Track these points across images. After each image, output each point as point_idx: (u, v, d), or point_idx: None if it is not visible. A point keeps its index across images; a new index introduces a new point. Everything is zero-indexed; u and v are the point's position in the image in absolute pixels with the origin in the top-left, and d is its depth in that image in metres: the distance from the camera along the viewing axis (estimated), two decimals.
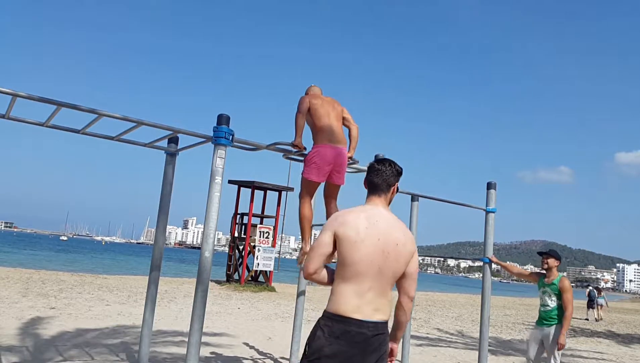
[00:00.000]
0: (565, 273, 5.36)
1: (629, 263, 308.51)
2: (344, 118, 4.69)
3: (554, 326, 5.17)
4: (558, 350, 5.13)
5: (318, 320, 2.36)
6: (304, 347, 2.38)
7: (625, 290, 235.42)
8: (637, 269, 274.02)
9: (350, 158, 4.80)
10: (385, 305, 2.36)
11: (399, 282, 2.46)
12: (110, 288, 14.36)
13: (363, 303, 2.29)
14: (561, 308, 5.18)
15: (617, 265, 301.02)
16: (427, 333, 11.10)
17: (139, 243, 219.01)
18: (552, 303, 5.23)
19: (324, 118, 4.44)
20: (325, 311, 2.36)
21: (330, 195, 4.59)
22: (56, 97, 5.79)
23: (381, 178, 2.54)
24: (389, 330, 2.45)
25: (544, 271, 5.45)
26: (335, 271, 2.38)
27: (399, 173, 2.61)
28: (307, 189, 4.43)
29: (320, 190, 4.61)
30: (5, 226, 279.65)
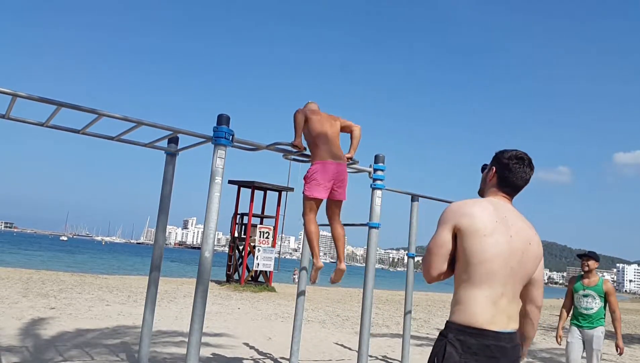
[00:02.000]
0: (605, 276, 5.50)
1: (629, 263, 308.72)
2: (344, 126, 4.68)
3: (598, 328, 5.22)
4: (620, 354, 5.32)
5: (444, 334, 2.05)
6: None
7: (625, 290, 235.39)
8: (637, 269, 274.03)
9: (351, 158, 4.79)
10: (517, 313, 2.11)
11: (526, 288, 2.17)
12: (110, 288, 14.36)
13: (498, 312, 2.00)
14: (603, 311, 5.27)
15: (617, 265, 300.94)
16: (427, 333, 11.14)
17: (139, 243, 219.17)
18: (595, 305, 5.26)
19: (322, 134, 4.41)
20: (452, 322, 2.03)
21: (333, 212, 4.57)
22: (56, 97, 5.79)
23: (524, 182, 2.24)
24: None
25: (582, 274, 5.46)
26: (457, 272, 2.06)
27: (533, 170, 2.31)
28: (310, 206, 4.39)
29: (322, 209, 4.56)
30: (5, 226, 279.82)
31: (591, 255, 5.41)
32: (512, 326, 2.05)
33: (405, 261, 7.61)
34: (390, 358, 7.69)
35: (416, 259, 6.95)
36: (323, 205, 4.52)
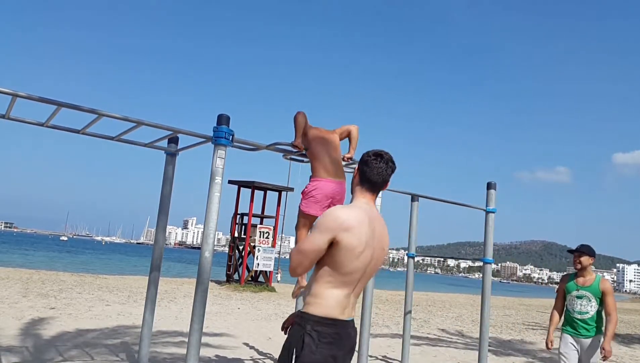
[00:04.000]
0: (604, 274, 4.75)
1: (629, 263, 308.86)
2: (341, 133, 4.65)
3: (597, 336, 4.51)
4: (603, 358, 4.42)
5: (302, 325, 2.22)
6: (284, 356, 2.22)
7: (625, 290, 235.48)
8: (637, 269, 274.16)
9: (351, 158, 4.79)
10: (355, 302, 2.39)
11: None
12: (110, 288, 14.36)
13: (348, 304, 2.29)
14: (600, 314, 4.54)
15: (617, 265, 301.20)
16: (427, 333, 11.07)
17: (139, 243, 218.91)
18: (592, 309, 4.51)
19: (322, 149, 4.36)
20: (310, 314, 2.22)
21: None
22: (56, 97, 5.79)
23: (382, 178, 2.39)
24: None
25: (575, 272, 4.74)
26: (320, 272, 2.25)
27: (394, 170, 2.46)
28: (304, 222, 4.35)
29: None
30: (5, 226, 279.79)
31: (583, 250, 4.63)
32: (353, 314, 2.35)
33: (405, 261, 7.61)
34: (390, 358, 7.69)
35: (416, 259, 6.95)
36: None
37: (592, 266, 4.70)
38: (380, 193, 5.08)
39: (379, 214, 2.40)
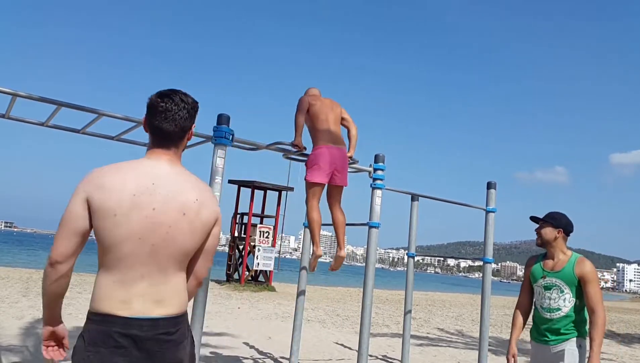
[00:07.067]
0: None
1: (629, 263, 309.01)
2: (343, 119, 4.70)
3: (570, 341, 3.05)
4: None
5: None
6: None
7: (625, 290, 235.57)
8: (637, 269, 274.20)
9: (350, 157, 4.80)
10: (173, 295, 1.76)
11: (191, 262, 1.86)
12: None
13: (132, 296, 1.68)
14: (581, 311, 3.10)
15: (617, 264, 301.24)
16: (427, 333, 11.06)
17: None
18: (565, 304, 3.09)
19: (323, 120, 4.43)
20: (88, 311, 1.73)
21: (334, 198, 4.57)
22: (56, 97, 5.79)
23: (173, 123, 1.81)
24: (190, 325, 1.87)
25: (545, 252, 3.31)
26: (58, 245, 1.70)
27: (195, 109, 1.89)
28: (313, 192, 4.40)
29: (323, 196, 4.58)
30: (5, 226, 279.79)
31: (546, 219, 3.23)
32: (160, 311, 1.71)
33: (405, 260, 7.61)
34: (390, 358, 7.69)
35: (416, 259, 6.95)
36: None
37: (565, 244, 3.23)
38: (380, 192, 5.10)
39: (175, 171, 1.82)
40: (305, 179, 4.41)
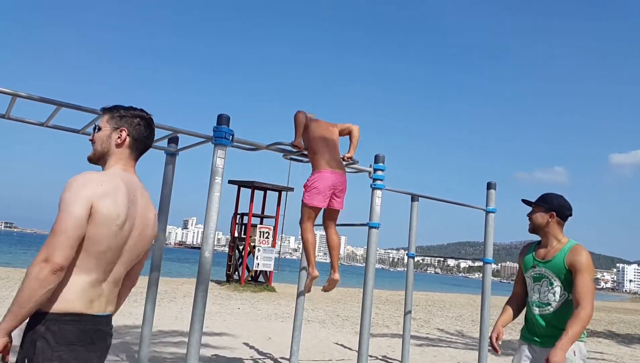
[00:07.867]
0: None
1: (629, 263, 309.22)
2: (342, 130, 4.70)
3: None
4: None
5: (33, 328, 1.77)
6: None
7: (625, 290, 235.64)
8: (637, 269, 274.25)
9: (351, 157, 4.80)
10: (116, 296, 1.94)
11: (132, 268, 2.01)
12: None
13: (97, 296, 1.80)
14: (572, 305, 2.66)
15: (617, 265, 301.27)
16: (427, 333, 11.06)
17: None
18: (554, 297, 2.74)
19: (322, 142, 4.43)
20: (42, 312, 1.73)
21: (330, 220, 4.60)
22: (56, 97, 5.79)
23: (151, 139, 2.03)
24: None
25: (539, 240, 2.96)
26: (64, 251, 1.67)
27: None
28: (309, 214, 4.42)
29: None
30: (5, 226, 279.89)
31: (539, 202, 2.89)
32: (109, 309, 1.89)
33: (405, 261, 7.62)
34: (390, 358, 7.69)
35: (416, 259, 6.95)
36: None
37: (560, 230, 2.85)
38: (380, 192, 5.10)
39: (141, 184, 1.98)
40: (302, 201, 4.41)
